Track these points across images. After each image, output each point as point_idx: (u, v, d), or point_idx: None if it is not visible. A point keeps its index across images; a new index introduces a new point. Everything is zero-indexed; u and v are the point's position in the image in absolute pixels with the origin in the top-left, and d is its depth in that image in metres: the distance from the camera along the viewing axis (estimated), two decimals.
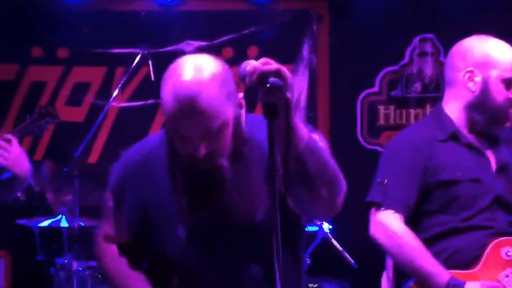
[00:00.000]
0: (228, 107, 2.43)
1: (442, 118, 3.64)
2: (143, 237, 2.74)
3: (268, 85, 2.15)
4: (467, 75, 3.56)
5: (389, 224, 3.46)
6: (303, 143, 2.33)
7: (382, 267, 4.15)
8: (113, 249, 2.82)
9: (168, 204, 2.61)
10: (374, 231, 3.52)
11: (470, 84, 3.56)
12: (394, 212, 3.46)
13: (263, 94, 2.17)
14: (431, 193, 3.52)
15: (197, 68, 2.41)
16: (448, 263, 3.44)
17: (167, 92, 2.41)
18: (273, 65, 2.19)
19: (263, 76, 2.17)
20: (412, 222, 3.51)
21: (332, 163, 2.46)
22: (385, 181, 3.52)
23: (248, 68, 2.21)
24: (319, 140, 2.51)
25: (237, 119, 2.49)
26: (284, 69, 2.20)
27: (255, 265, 2.58)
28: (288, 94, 2.18)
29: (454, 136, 3.58)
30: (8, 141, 4.02)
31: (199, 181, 2.51)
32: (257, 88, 2.18)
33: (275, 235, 2.14)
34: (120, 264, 2.79)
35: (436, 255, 3.44)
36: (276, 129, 2.18)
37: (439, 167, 3.51)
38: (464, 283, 3.35)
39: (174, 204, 2.59)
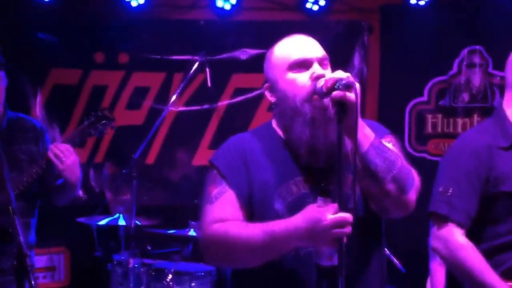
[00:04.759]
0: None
1: (505, 124, 3.46)
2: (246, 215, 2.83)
3: (340, 86, 2.54)
4: None
5: (453, 238, 3.34)
6: (369, 141, 2.65)
7: (427, 272, 4.26)
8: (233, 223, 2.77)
9: (272, 180, 2.79)
10: (437, 243, 3.40)
11: None
12: (458, 226, 3.34)
13: (336, 96, 2.55)
14: (493, 203, 3.37)
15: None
16: (508, 275, 3.31)
17: (283, 44, 2.91)
18: (343, 73, 2.61)
19: (337, 81, 2.57)
20: (471, 230, 3.38)
21: (401, 162, 2.71)
22: (450, 190, 3.37)
23: (322, 81, 2.64)
24: (393, 142, 2.86)
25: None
26: (351, 76, 2.59)
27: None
28: (355, 97, 2.55)
29: None
30: (67, 148, 4.25)
31: (318, 161, 2.77)
32: (331, 92, 2.57)
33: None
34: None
35: (495, 266, 3.31)
36: (345, 127, 2.55)
37: (501, 177, 3.35)
38: None
39: (280, 180, 2.79)
